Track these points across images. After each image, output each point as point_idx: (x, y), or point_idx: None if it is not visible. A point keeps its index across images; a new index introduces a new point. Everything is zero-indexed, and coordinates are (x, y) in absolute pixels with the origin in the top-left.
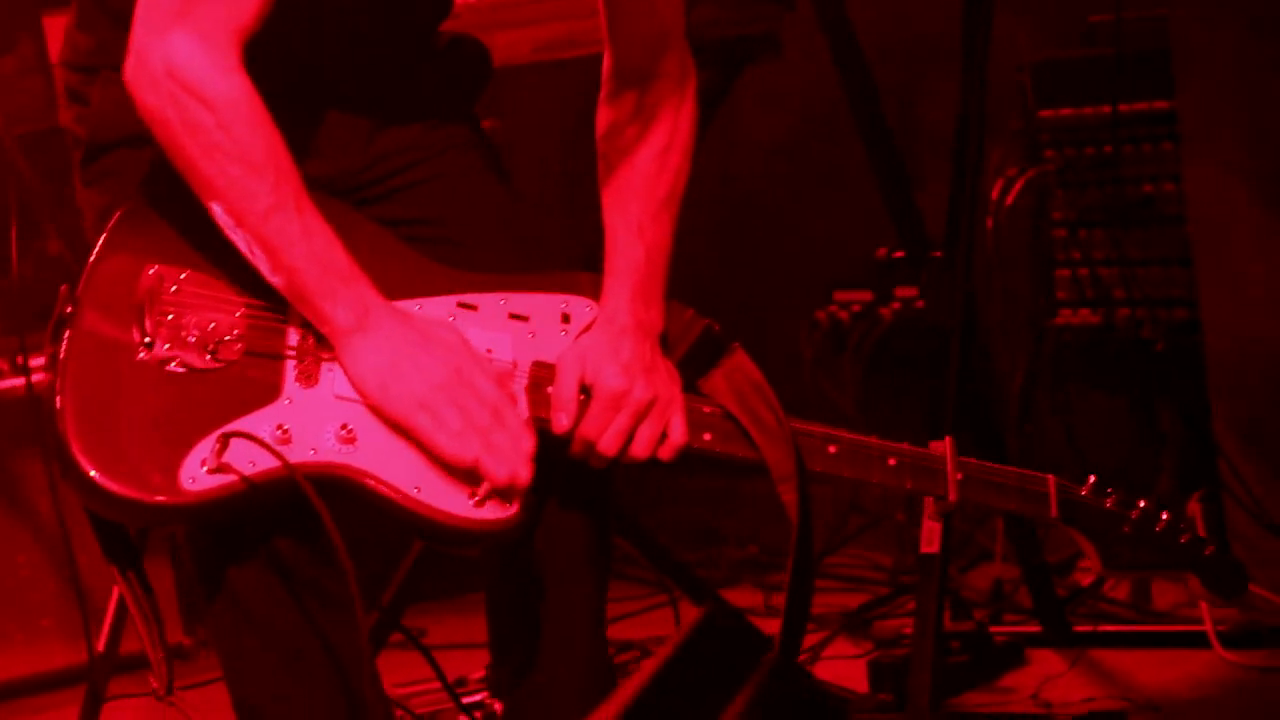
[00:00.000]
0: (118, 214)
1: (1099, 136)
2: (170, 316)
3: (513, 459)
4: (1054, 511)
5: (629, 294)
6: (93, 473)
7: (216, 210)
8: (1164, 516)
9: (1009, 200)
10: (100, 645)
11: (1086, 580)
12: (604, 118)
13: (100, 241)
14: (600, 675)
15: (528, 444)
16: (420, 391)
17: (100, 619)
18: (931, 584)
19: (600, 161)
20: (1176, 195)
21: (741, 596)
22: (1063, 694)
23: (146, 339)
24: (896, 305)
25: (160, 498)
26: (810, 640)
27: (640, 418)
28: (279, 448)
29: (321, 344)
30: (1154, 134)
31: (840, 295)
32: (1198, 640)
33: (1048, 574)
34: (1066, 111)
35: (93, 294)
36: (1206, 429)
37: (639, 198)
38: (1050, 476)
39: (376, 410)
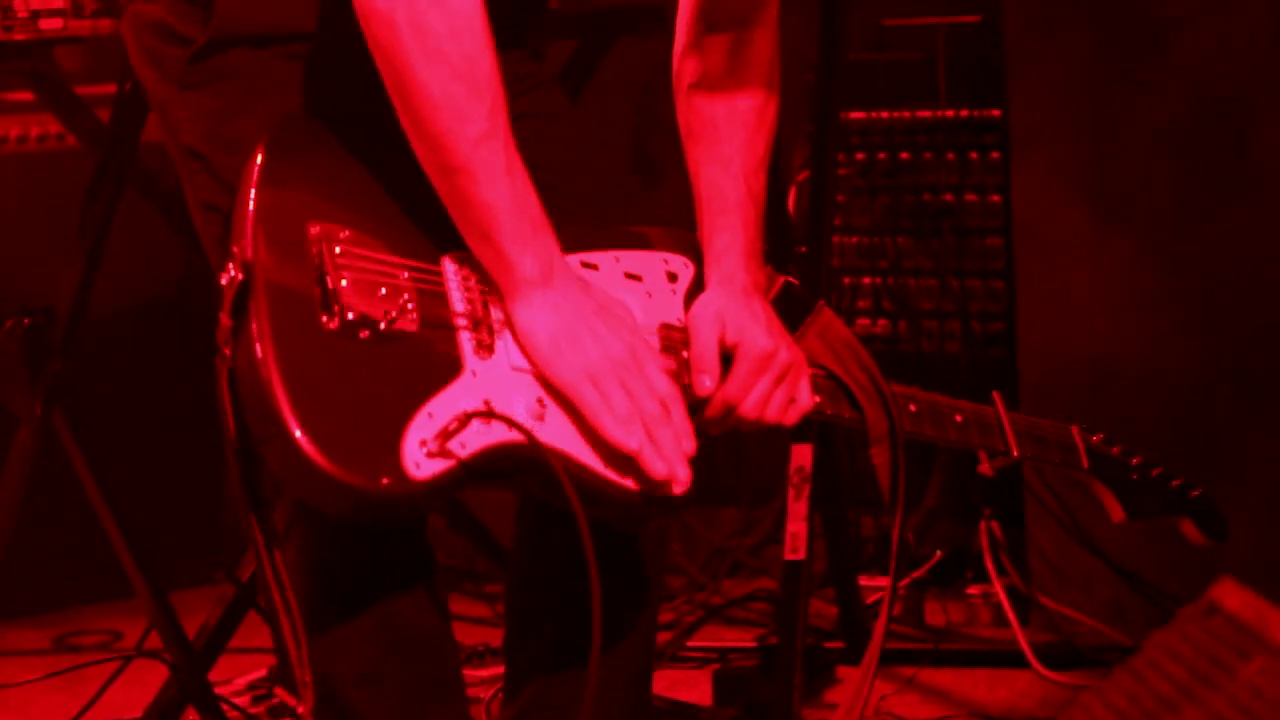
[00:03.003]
0: (260, 154)
1: (894, 141)
2: (345, 282)
3: (673, 457)
4: (1085, 462)
5: (744, 253)
6: (316, 457)
7: (414, 129)
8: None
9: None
10: None
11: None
12: (691, 66)
13: (252, 193)
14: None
15: (689, 444)
16: (594, 363)
17: None
18: (796, 591)
19: (689, 113)
20: (980, 206)
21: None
22: (905, 710)
23: (332, 305)
24: None
25: (386, 482)
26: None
27: (781, 381)
28: (532, 424)
29: (488, 310)
30: (955, 142)
31: None
32: (1015, 660)
33: (858, 591)
34: (858, 115)
35: (265, 258)
36: None
37: (742, 153)
38: (1074, 427)
39: (541, 370)
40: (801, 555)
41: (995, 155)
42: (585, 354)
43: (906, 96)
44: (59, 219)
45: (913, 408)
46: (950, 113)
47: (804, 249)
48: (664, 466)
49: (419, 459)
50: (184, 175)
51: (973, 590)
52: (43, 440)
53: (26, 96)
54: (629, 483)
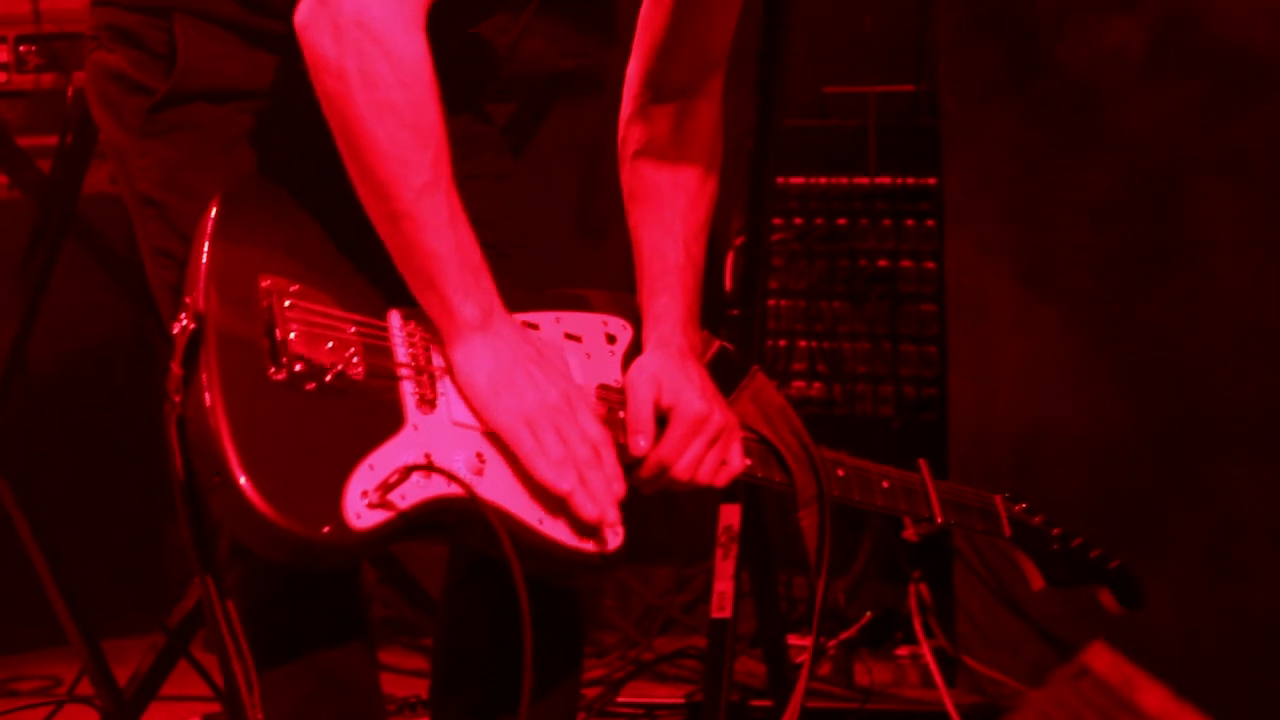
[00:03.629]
0: (215, 207)
1: (830, 207)
2: (293, 334)
3: (604, 500)
4: (1007, 530)
5: (682, 316)
6: (259, 504)
7: (362, 178)
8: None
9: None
10: None
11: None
12: (637, 133)
13: (206, 245)
14: None
15: (619, 487)
16: (530, 407)
17: None
18: (722, 648)
19: (634, 178)
20: (914, 272)
21: (392, 657)
22: None
23: (280, 357)
24: None
25: (326, 530)
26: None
27: (714, 443)
28: (472, 478)
29: (430, 364)
30: (890, 209)
31: None
32: None
33: (786, 650)
34: (796, 180)
35: (217, 309)
36: None
37: (684, 218)
38: (998, 496)
39: (479, 412)
40: (728, 613)
41: (930, 222)
42: (521, 398)
43: (843, 163)
44: None
45: (840, 473)
46: (886, 179)
47: (739, 311)
48: (594, 509)
49: (360, 509)
50: (138, 222)
51: (901, 651)
52: None
53: None
54: (565, 537)
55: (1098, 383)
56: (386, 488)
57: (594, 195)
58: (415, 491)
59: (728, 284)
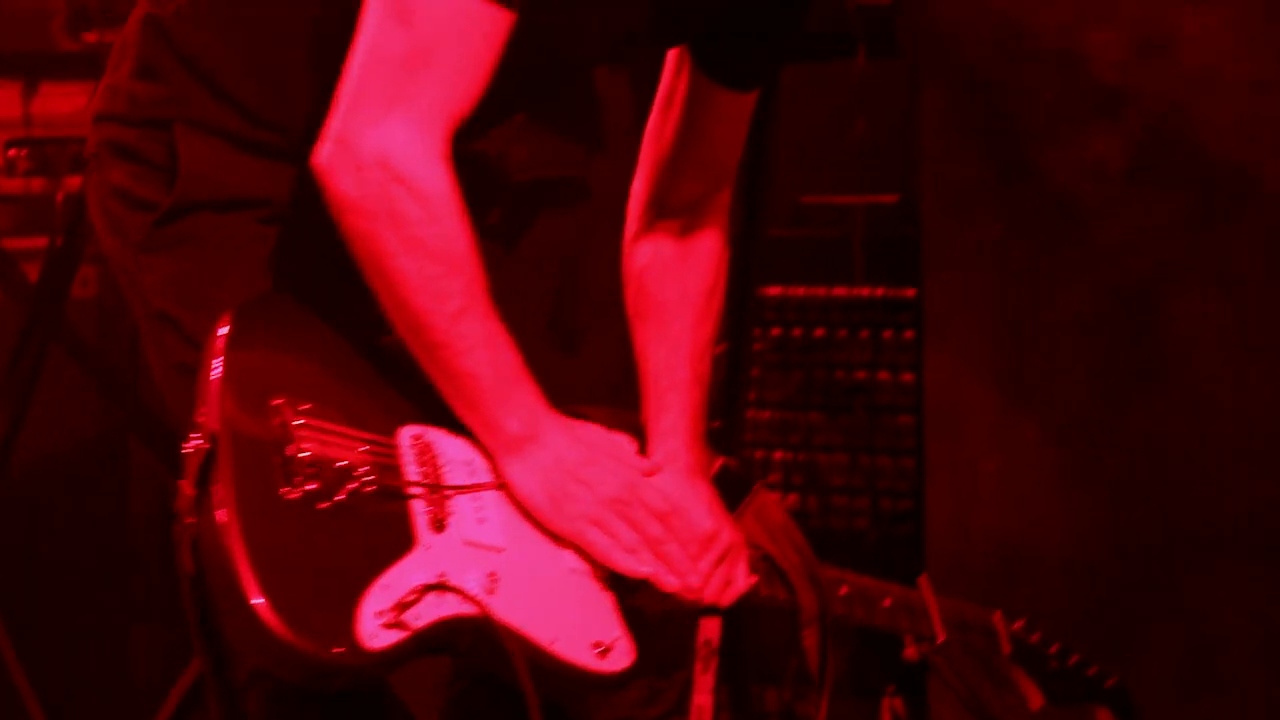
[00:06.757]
0: (225, 325)
1: (809, 318)
2: (305, 453)
3: (684, 569)
4: (1006, 648)
5: (689, 435)
6: (274, 625)
7: (396, 311)
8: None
9: None
10: None
11: None
12: (643, 249)
13: (217, 362)
14: None
15: (696, 550)
16: (594, 507)
17: None
18: None
19: (640, 295)
20: (892, 384)
21: None
22: None
23: (293, 477)
24: None
25: (340, 651)
26: None
27: (721, 562)
28: (485, 599)
29: (441, 483)
30: (869, 320)
31: None
32: None
33: None
34: (775, 290)
35: (229, 428)
36: None
37: (690, 334)
38: (997, 613)
39: (546, 525)
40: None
41: (909, 334)
42: (578, 503)
43: (823, 273)
44: None
45: (843, 590)
46: (865, 291)
47: (718, 423)
48: (676, 580)
49: (374, 630)
50: (150, 340)
51: None
52: None
53: None
54: (578, 657)
55: (1077, 497)
56: (402, 607)
57: (572, 303)
58: (429, 611)
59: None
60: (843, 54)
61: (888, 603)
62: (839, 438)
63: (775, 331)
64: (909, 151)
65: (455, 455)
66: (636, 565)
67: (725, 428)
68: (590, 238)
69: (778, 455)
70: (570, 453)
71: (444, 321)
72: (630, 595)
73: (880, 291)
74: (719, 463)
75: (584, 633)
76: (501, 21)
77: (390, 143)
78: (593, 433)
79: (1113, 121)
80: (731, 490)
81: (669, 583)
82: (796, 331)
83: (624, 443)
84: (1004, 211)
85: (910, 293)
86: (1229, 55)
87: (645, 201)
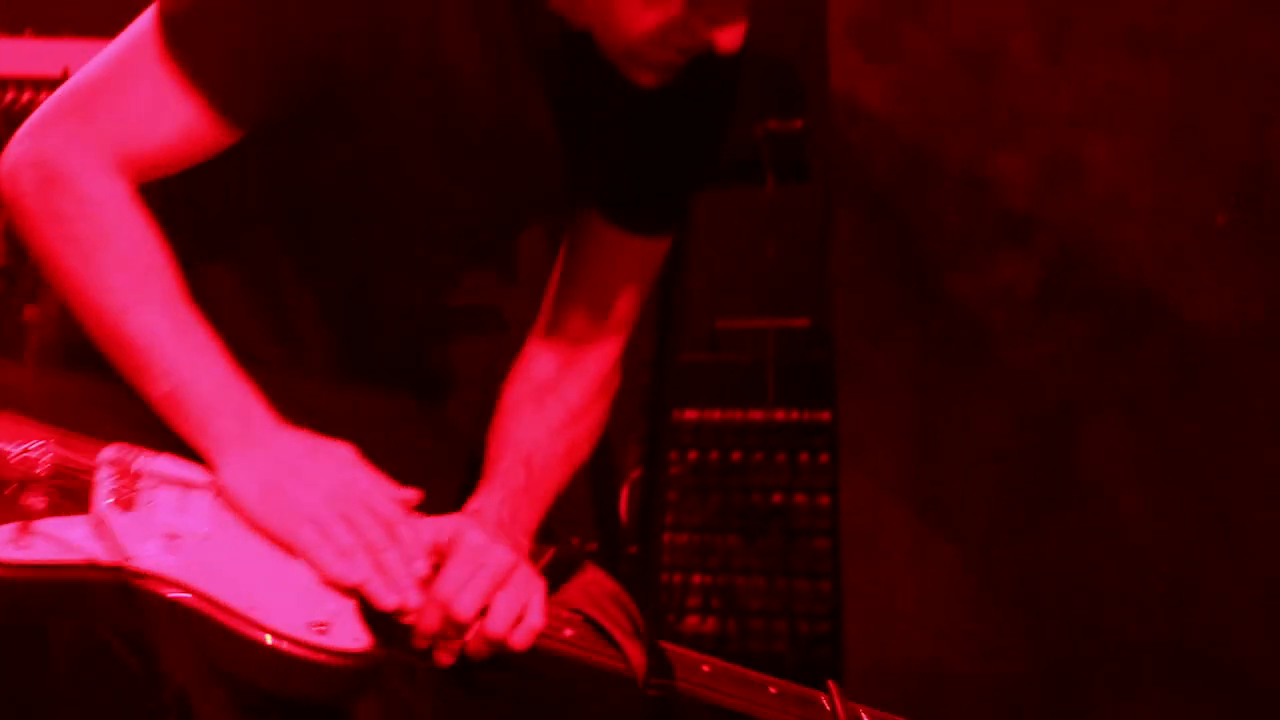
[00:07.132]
0: None
1: (725, 441)
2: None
3: (403, 582)
4: None
5: (500, 498)
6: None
7: (79, 311)
8: None
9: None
10: None
11: None
12: (526, 363)
13: None
14: None
15: (422, 567)
16: (310, 504)
17: None
18: None
19: (516, 387)
20: (808, 507)
21: None
22: None
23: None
24: None
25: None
26: None
27: (499, 583)
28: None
29: (133, 489)
30: (784, 444)
31: None
32: None
33: None
34: (691, 415)
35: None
36: None
37: (528, 433)
38: None
39: (259, 522)
40: None
41: (824, 457)
42: (291, 497)
43: (737, 397)
44: None
45: (705, 668)
46: (780, 414)
47: (635, 548)
48: (393, 594)
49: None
50: None
51: None
52: None
53: None
54: (288, 629)
55: (994, 619)
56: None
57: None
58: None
59: (623, 518)
60: (751, 181)
61: (774, 690)
62: (756, 561)
63: (692, 455)
64: (821, 275)
65: (160, 467)
66: (347, 570)
67: (642, 552)
68: (504, 365)
69: (695, 579)
70: (289, 448)
71: (114, 316)
72: (389, 644)
73: (795, 415)
74: (550, 551)
75: (298, 607)
76: (207, 126)
77: (48, 145)
78: (327, 440)
79: (1022, 247)
80: (559, 571)
81: (383, 597)
82: (713, 455)
83: (352, 452)
84: (917, 335)
85: (825, 416)
86: (1134, 181)
87: (540, 326)
